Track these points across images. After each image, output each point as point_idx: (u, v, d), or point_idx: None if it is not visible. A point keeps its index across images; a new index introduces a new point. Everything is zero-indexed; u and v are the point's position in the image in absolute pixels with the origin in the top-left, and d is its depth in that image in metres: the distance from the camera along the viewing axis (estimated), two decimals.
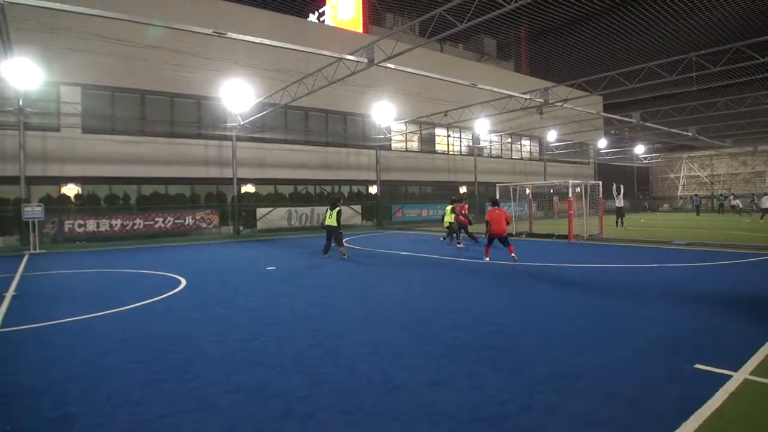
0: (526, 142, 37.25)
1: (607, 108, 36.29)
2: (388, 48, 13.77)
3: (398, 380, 3.82)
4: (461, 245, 14.36)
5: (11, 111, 16.39)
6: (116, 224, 17.77)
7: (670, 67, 16.61)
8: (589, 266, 10.10)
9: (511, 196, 19.34)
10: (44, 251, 14.79)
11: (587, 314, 5.89)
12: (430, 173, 30.16)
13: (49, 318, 6.08)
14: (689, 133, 30.34)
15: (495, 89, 19.50)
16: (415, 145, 29.78)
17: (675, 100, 28.00)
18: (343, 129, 26.08)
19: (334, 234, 12.11)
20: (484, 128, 27.79)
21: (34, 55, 15.40)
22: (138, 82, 19.32)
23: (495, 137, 33.80)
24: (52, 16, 15.86)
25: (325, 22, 31.58)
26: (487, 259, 10.95)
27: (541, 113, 22.40)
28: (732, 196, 34.26)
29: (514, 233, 17.53)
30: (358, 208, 24.79)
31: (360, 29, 28.84)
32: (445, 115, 24.28)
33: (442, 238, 15.46)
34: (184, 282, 8.80)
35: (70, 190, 18.25)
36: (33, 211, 14.97)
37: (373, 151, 26.82)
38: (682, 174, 47.21)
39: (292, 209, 22.42)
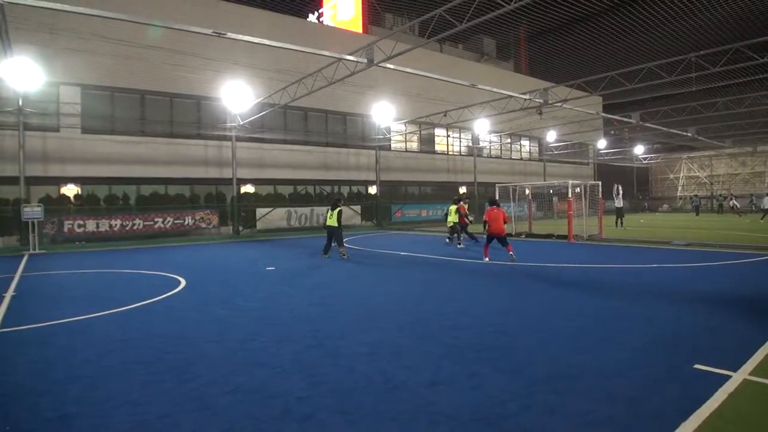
0: (525, 143, 37.25)
1: (606, 108, 36.31)
2: (388, 48, 13.77)
3: (398, 380, 3.82)
4: (461, 245, 14.37)
5: (11, 111, 16.39)
6: (116, 224, 17.76)
7: (670, 68, 16.63)
8: (588, 266, 10.10)
9: (511, 196, 19.35)
10: (44, 251, 14.79)
11: (587, 314, 5.90)
12: (429, 173, 30.16)
13: (48, 318, 6.08)
14: (689, 134, 30.37)
15: (494, 89, 19.51)
16: (414, 145, 29.79)
17: (674, 100, 28.03)
18: (343, 129, 26.08)
19: (334, 234, 12.11)
20: (483, 128, 27.82)
21: (33, 55, 15.40)
22: (137, 82, 19.32)
23: (494, 137, 33.82)
24: (52, 16, 15.85)
25: (324, 23, 31.58)
26: (487, 259, 10.95)
27: (540, 113, 22.41)
28: (731, 197, 34.31)
29: (513, 233, 17.54)
30: (357, 208, 24.79)
31: (360, 29, 28.85)
32: (445, 115, 24.30)
33: (447, 239, 15.46)
34: (183, 282, 8.80)
35: (70, 190, 18.25)
36: (32, 211, 14.96)
37: (373, 152, 26.82)
38: (681, 174, 47.25)
39: (292, 209, 22.42)
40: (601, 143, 39.31)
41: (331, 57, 14.84)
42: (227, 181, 21.30)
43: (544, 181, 32.81)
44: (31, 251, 14.66)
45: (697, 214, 33.34)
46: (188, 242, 18.01)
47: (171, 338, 5.15)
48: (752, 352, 4.28)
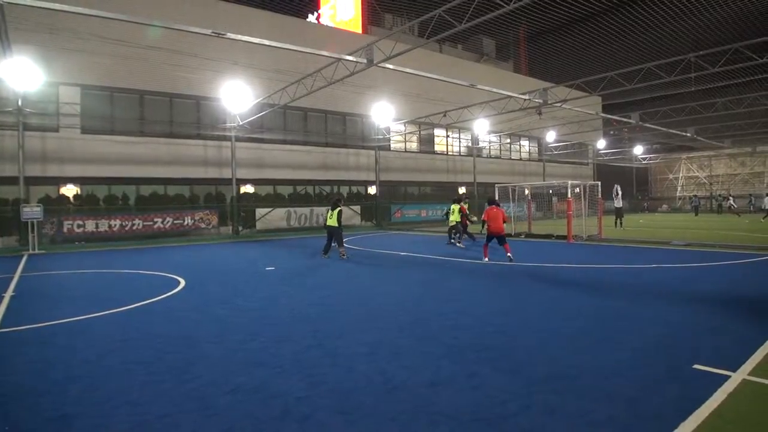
0: (525, 143, 37.27)
1: (606, 108, 36.32)
2: (388, 48, 13.78)
3: (397, 380, 3.82)
4: (461, 245, 14.37)
5: (10, 111, 16.38)
6: (115, 225, 17.75)
7: (669, 68, 16.64)
8: (588, 267, 10.11)
9: (510, 196, 19.35)
10: (43, 252, 14.78)
11: (586, 314, 5.90)
12: (429, 174, 30.17)
13: (48, 318, 6.07)
14: (688, 134, 30.40)
15: (494, 90, 19.52)
16: (414, 145, 29.79)
17: (674, 100, 28.04)
18: (342, 129, 26.08)
19: (334, 234, 12.12)
20: (483, 129, 27.82)
21: (33, 55, 15.39)
22: (137, 82, 19.32)
23: (494, 138, 33.82)
24: (51, 17, 15.85)
25: (323, 23, 31.57)
26: (486, 259, 10.95)
27: (540, 114, 22.44)
28: (731, 197, 34.33)
29: (513, 234, 17.55)
30: (357, 208, 24.79)
31: (359, 30, 28.85)
32: (444, 115, 24.30)
33: (450, 239, 15.46)
34: (183, 282, 8.80)
35: (69, 190, 18.24)
36: (32, 211, 14.95)
37: (373, 152, 26.82)
38: (680, 174, 47.27)
39: (292, 210, 22.41)
40: (601, 143, 39.33)
41: (331, 57, 14.84)
42: (227, 182, 21.30)
43: (544, 181, 32.82)
44: (31, 251, 14.65)
45: (697, 215, 33.36)
46: (188, 242, 18.00)
47: (171, 338, 5.15)
48: (751, 352, 4.28)
